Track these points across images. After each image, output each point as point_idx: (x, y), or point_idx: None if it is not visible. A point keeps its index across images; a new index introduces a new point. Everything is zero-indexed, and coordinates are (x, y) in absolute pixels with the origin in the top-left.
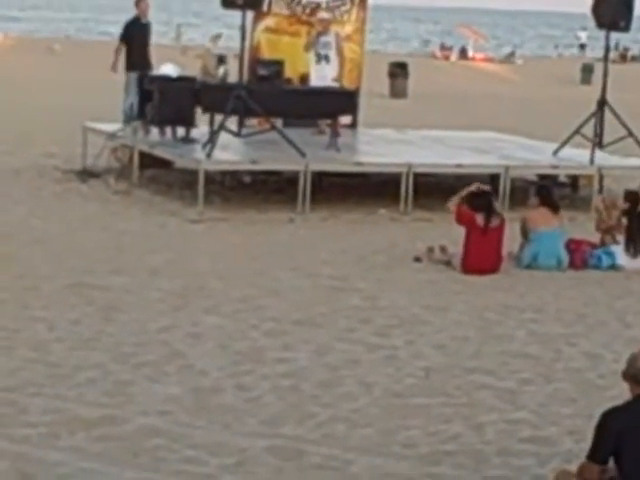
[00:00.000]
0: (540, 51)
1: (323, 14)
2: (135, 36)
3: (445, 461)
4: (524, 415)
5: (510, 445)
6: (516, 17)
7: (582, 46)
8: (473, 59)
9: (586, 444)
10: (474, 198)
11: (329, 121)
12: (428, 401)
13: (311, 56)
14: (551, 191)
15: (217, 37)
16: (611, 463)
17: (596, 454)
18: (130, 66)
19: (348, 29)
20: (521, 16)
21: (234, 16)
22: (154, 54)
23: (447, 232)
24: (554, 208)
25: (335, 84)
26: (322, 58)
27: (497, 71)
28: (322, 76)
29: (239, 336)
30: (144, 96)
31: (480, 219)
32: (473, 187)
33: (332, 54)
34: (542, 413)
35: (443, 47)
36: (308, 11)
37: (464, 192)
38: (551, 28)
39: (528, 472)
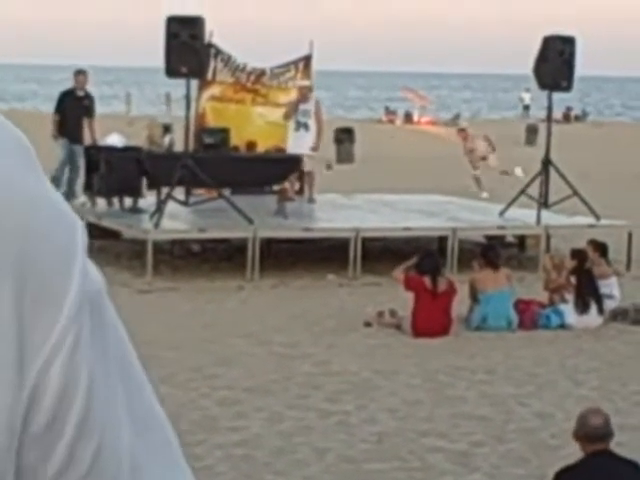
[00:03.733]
0: (485, 113)
1: (304, 82)
2: (67, 107)
3: None
4: (478, 477)
5: None
6: (461, 79)
7: (526, 107)
8: (418, 123)
9: None
10: (421, 262)
11: (296, 187)
12: (382, 466)
13: (290, 124)
14: (497, 251)
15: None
16: None
17: None
18: (59, 134)
19: (293, 95)
20: (465, 79)
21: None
22: (100, 125)
23: (396, 296)
24: (495, 267)
25: (313, 154)
26: (301, 126)
27: (442, 134)
28: (300, 144)
29: (192, 405)
30: (90, 167)
31: (428, 283)
32: (411, 261)
33: (311, 122)
34: (495, 475)
35: (388, 111)
36: (253, 78)
37: (409, 262)
38: (495, 90)
39: None
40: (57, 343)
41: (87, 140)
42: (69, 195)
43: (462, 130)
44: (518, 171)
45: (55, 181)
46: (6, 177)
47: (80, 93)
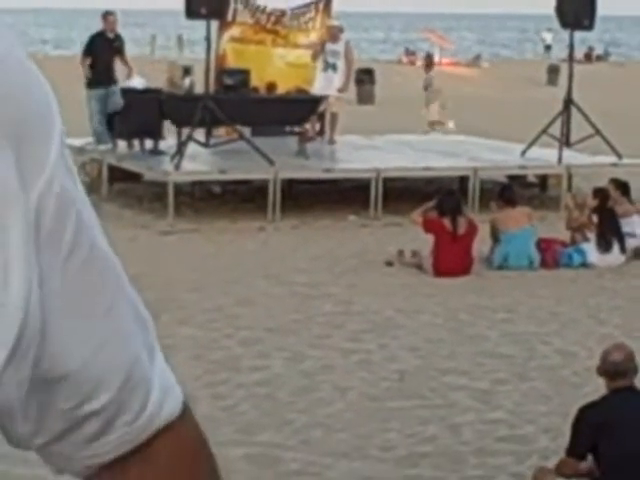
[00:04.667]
0: (506, 53)
1: (333, 21)
2: (99, 50)
3: (422, 463)
4: (500, 415)
5: (487, 445)
6: (481, 20)
7: (547, 47)
8: (439, 64)
9: (563, 441)
10: (441, 202)
11: (317, 128)
12: (404, 404)
13: (318, 64)
14: (513, 190)
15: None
16: (589, 458)
17: (575, 450)
18: (92, 82)
19: (313, 37)
20: (486, 19)
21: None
22: (121, 67)
23: (417, 235)
24: (513, 205)
25: (341, 95)
26: (329, 67)
27: (463, 74)
28: (328, 85)
29: (213, 346)
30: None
31: (448, 224)
32: (429, 203)
33: (340, 63)
34: (518, 412)
35: (408, 52)
36: (273, 19)
37: (428, 204)
38: (517, 31)
39: (506, 471)
40: (52, 170)
41: (123, 79)
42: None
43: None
44: (451, 124)
45: (98, 136)
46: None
47: (110, 35)
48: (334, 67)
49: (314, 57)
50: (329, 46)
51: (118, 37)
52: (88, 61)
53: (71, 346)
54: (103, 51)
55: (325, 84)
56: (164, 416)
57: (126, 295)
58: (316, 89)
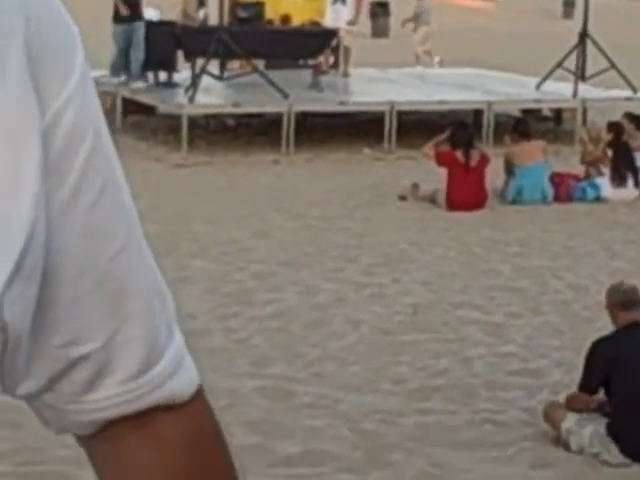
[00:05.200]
0: None
1: None
2: None
3: (434, 396)
4: (512, 348)
5: (499, 378)
6: None
7: None
8: None
9: (575, 375)
10: (453, 135)
11: (331, 61)
12: (416, 337)
13: None
14: (528, 123)
15: None
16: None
17: (587, 383)
18: (117, 16)
19: None
20: None
21: None
22: None
23: (431, 169)
24: (528, 138)
25: (351, 28)
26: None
27: (479, 7)
28: (337, 17)
29: (226, 279)
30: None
31: (460, 156)
32: (442, 135)
33: None
34: (530, 346)
35: None
36: None
37: (439, 137)
38: None
39: (517, 404)
40: (71, 95)
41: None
42: (138, 76)
43: None
44: (437, 59)
45: (114, 68)
46: None
47: None
48: (343, 0)
49: None
50: None
51: None
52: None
53: (68, 276)
54: None
55: (334, 16)
56: (168, 391)
57: (142, 250)
58: (326, 22)
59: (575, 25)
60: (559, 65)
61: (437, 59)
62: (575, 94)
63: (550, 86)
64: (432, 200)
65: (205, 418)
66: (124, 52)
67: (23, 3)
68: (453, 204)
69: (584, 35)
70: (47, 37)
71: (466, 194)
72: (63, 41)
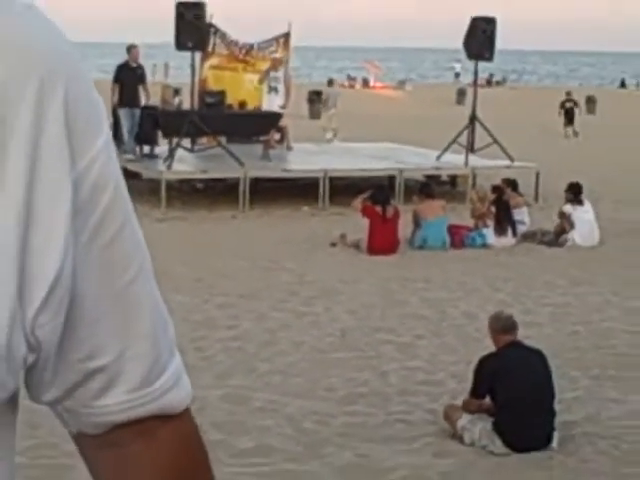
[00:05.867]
0: (425, 79)
1: (276, 55)
2: (125, 78)
3: (358, 401)
4: (418, 363)
5: (408, 387)
6: (406, 53)
7: (457, 74)
8: (374, 87)
9: (467, 384)
10: (374, 194)
11: (278, 137)
12: (344, 355)
13: (263, 87)
14: (431, 186)
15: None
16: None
17: (477, 391)
18: (120, 103)
19: (265, 65)
20: (410, 52)
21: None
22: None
23: (355, 223)
24: (431, 198)
25: (282, 110)
26: (272, 90)
27: (394, 95)
28: (271, 104)
29: (196, 309)
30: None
31: (380, 210)
32: (366, 193)
33: (280, 87)
34: (432, 361)
35: (350, 78)
36: (244, 51)
37: (364, 195)
38: (433, 61)
39: (423, 407)
40: (98, 152)
41: (143, 101)
42: (131, 149)
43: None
44: (329, 135)
45: (128, 147)
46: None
47: (133, 64)
48: (276, 90)
49: (260, 82)
50: (272, 74)
51: (140, 66)
52: (116, 87)
53: (89, 300)
54: (128, 78)
55: (269, 103)
56: (167, 402)
57: (150, 283)
58: (263, 106)
59: (466, 110)
60: (454, 141)
61: (329, 135)
62: (466, 163)
63: (447, 157)
64: (356, 246)
65: (193, 424)
66: (130, 132)
67: (65, 77)
68: (373, 249)
69: (473, 118)
70: (81, 106)
71: (383, 241)
72: (93, 110)
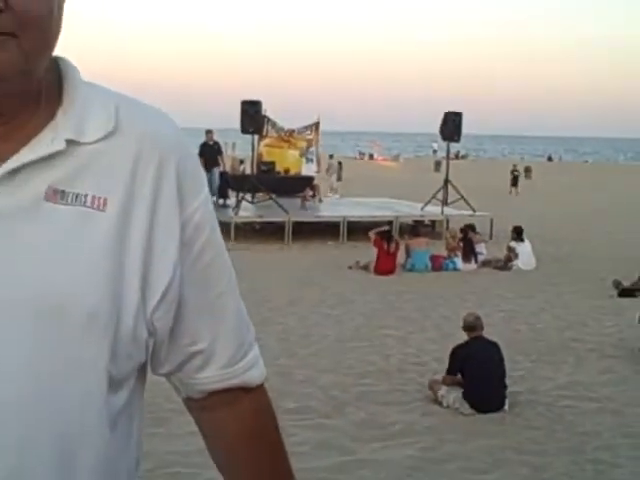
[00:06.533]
0: (412, 154)
1: (310, 137)
2: (206, 153)
3: (369, 376)
4: (411, 350)
5: (404, 367)
6: (400, 136)
7: (434, 151)
8: (377, 159)
9: (444, 365)
10: (382, 233)
11: (311, 193)
12: (358, 344)
13: (303, 159)
14: (418, 228)
15: (234, 144)
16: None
17: (451, 370)
18: (206, 167)
19: (303, 144)
20: (403, 135)
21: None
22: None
23: (366, 252)
24: (418, 236)
25: (315, 175)
26: (309, 160)
27: (390, 165)
28: (308, 170)
29: (254, 312)
30: None
31: (385, 243)
32: (382, 228)
33: (314, 158)
34: (420, 349)
35: (360, 153)
36: (287, 134)
37: (376, 230)
38: (417, 141)
39: (414, 381)
40: (200, 204)
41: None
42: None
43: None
44: (330, 193)
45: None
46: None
47: (211, 142)
48: (311, 160)
49: (301, 155)
50: (309, 149)
51: (216, 143)
52: (202, 160)
53: (191, 303)
54: (209, 152)
55: (306, 169)
56: (248, 378)
57: (235, 294)
58: (303, 172)
59: (441, 175)
60: (433, 197)
61: (337, 196)
62: (442, 212)
63: (429, 208)
64: (366, 268)
65: (266, 396)
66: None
67: (177, 154)
68: (378, 271)
69: (446, 181)
70: (187, 174)
71: (386, 265)
72: (196, 176)
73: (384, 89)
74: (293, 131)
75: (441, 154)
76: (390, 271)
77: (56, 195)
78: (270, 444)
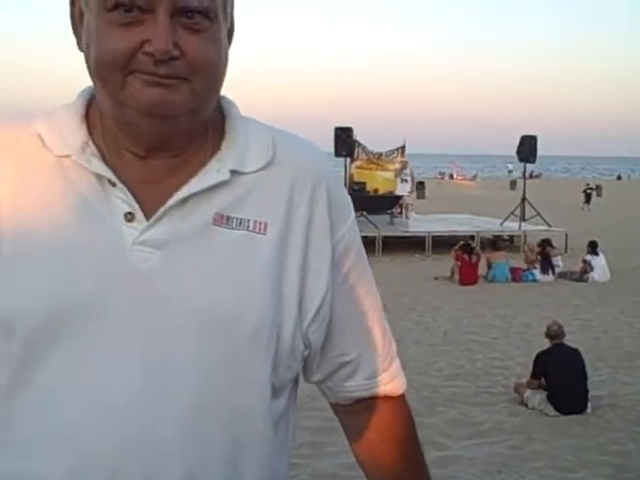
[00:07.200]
0: (489, 174)
1: (402, 159)
2: None
3: (457, 378)
4: (496, 355)
5: (490, 370)
6: (477, 158)
7: (510, 171)
8: (456, 179)
9: (528, 370)
10: (464, 246)
11: (398, 210)
12: (447, 348)
13: (398, 179)
14: (498, 242)
15: None
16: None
17: (535, 374)
18: None
19: (397, 166)
20: (480, 157)
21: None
22: None
23: (449, 264)
24: (498, 249)
25: (409, 194)
26: (403, 180)
27: (468, 184)
28: (403, 190)
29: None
30: None
31: (467, 256)
32: (462, 242)
33: (408, 178)
34: (505, 354)
35: (440, 173)
36: (376, 157)
37: (458, 245)
38: (493, 163)
39: (500, 383)
40: (348, 228)
41: None
42: None
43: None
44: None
45: None
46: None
47: None
48: (405, 181)
49: (396, 175)
50: (403, 171)
51: None
52: None
53: (339, 319)
54: None
55: (401, 189)
56: (390, 388)
57: (379, 311)
58: (398, 191)
59: (517, 193)
60: (511, 213)
61: (413, 213)
62: (520, 227)
63: (507, 224)
64: (451, 279)
65: (407, 406)
66: None
67: (326, 181)
68: (462, 281)
69: (524, 199)
70: (337, 199)
71: (468, 276)
72: (344, 201)
73: (461, 111)
74: (381, 154)
75: (516, 174)
76: (473, 282)
77: (222, 220)
78: (409, 451)
